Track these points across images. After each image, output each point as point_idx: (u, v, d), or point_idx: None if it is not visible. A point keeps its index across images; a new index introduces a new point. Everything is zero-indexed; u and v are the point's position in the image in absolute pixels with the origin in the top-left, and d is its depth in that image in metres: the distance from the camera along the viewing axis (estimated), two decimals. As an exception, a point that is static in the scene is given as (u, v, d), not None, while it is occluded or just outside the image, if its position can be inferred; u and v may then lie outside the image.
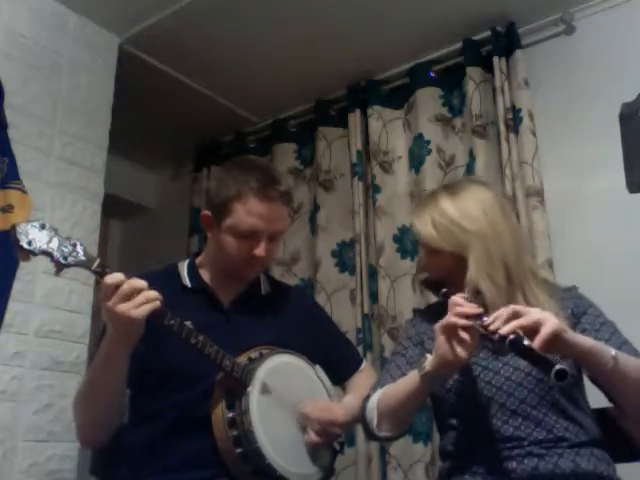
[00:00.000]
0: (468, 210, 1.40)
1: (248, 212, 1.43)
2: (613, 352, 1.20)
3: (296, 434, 1.45)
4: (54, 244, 1.19)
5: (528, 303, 1.34)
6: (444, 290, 1.40)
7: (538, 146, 2.37)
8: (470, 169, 2.49)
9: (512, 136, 2.40)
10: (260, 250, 1.45)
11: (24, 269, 2.00)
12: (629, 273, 2.10)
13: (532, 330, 1.14)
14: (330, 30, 2.54)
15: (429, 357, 1.29)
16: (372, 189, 2.73)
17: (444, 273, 1.46)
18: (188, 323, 1.32)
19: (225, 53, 2.68)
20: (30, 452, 2.03)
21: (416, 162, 2.65)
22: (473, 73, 2.51)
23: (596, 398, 1.37)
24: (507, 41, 2.49)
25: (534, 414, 1.31)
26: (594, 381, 1.33)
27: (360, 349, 2.45)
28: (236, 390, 1.37)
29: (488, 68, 2.52)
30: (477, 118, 2.47)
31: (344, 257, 2.80)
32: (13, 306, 2.01)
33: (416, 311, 1.69)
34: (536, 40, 2.52)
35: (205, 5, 2.38)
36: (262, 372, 1.41)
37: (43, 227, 1.19)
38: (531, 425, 1.31)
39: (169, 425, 1.39)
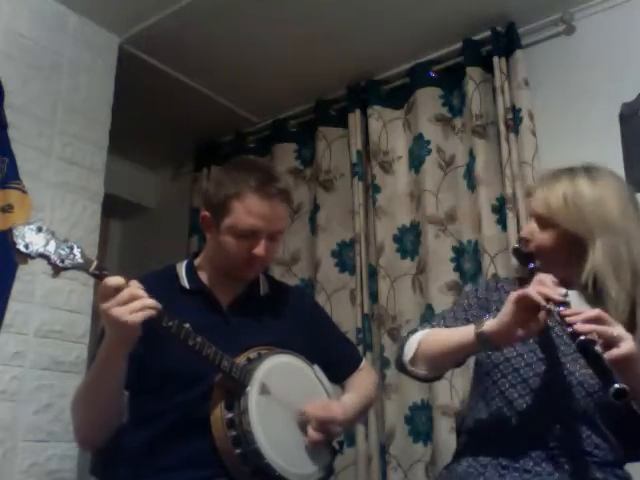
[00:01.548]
0: (605, 198, 1.33)
1: (247, 211, 1.43)
2: None
3: (295, 434, 1.45)
4: (51, 247, 1.19)
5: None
6: (533, 265, 1.35)
7: (538, 146, 2.37)
8: (470, 169, 2.50)
9: (512, 136, 2.40)
10: (260, 249, 1.45)
11: (24, 269, 2.00)
12: (629, 273, 2.10)
13: (609, 342, 1.11)
14: (330, 30, 2.54)
15: (490, 319, 1.25)
16: (372, 189, 2.73)
17: (548, 250, 1.37)
18: (186, 325, 1.32)
19: (225, 53, 2.68)
20: (30, 452, 2.03)
21: (416, 162, 2.65)
22: (473, 73, 2.51)
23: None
24: (507, 41, 2.49)
25: (569, 423, 1.28)
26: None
27: (360, 349, 2.45)
28: (235, 391, 1.37)
29: (488, 68, 2.52)
30: (477, 118, 2.47)
31: (344, 257, 2.80)
32: (13, 306, 2.01)
33: (494, 278, 1.61)
34: (536, 40, 2.51)
35: (205, 5, 2.38)
36: (261, 372, 1.41)
37: (40, 230, 1.19)
38: (563, 432, 1.27)
39: (168, 426, 1.39)
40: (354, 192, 2.75)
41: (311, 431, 1.43)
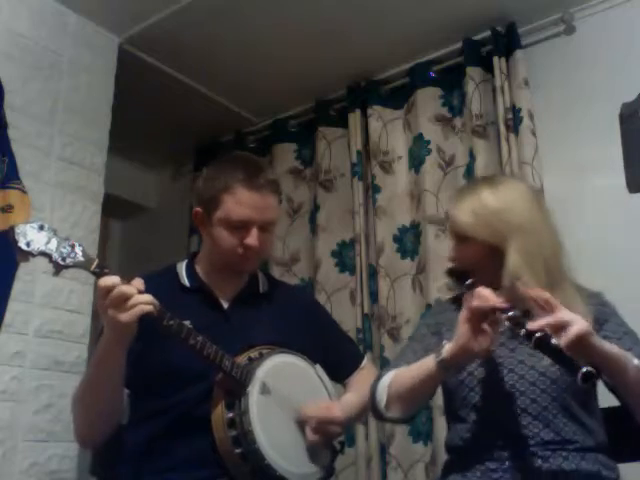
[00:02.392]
0: (510, 203, 1.40)
1: (237, 202, 1.45)
2: (637, 362, 1.20)
3: (296, 434, 1.45)
4: (52, 245, 1.20)
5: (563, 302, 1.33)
6: (470, 281, 1.38)
7: (538, 146, 2.37)
8: (470, 169, 2.49)
9: (512, 136, 2.40)
10: (252, 239, 1.45)
11: (24, 269, 2.00)
12: (629, 273, 2.10)
13: (559, 329, 1.14)
14: (330, 30, 2.54)
15: (447, 345, 1.28)
16: (372, 189, 2.73)
17: (473, 263, 1.44)
18: (187, 323, 1.32)
19: (225, 53, 2.68)
20: (30, 452, 2.03)
21: (416, 162, 2.65)
22: (473, 73, 2.51)
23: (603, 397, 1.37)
24: (507, 41, 2.49)
25: (544, 415, 1.31)
26: (611, 388, 1.31)
27: (360, 349, 2.44)
28: (236, 390, 1.37)
29: (488, 68, 2.52)
30: (477, 118, 2.47)
31: (344, 257, 2.80)
32: (13, 306, 2.01)
33: (437, 301, 1.67)
34: (536, 40, 2.52)
35: (205, 5, 2.38)
36: (262, 372, 1.41)
37: (42, 228, 1.20)
38: (540, 425, 1.31)
39: (168, 425, 1.39)
40: (354, 192, 2.75)
41: (309, 432, 1.43)
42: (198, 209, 1.52)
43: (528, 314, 1.21)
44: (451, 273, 1.52)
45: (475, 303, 1.23)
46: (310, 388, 1.54)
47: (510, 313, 1.21)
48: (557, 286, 1.34)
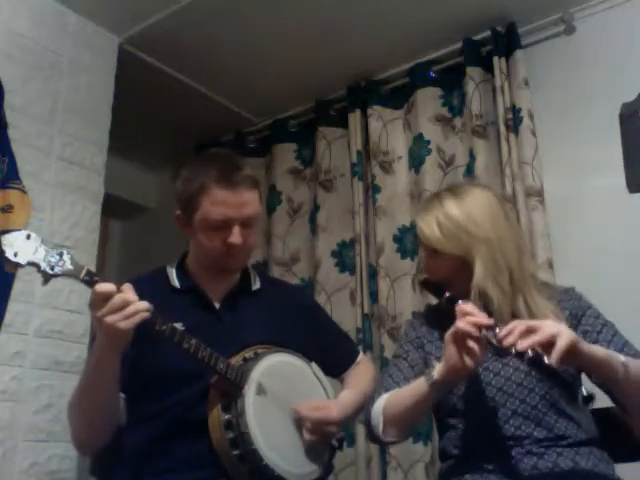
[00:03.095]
0: (474, 214, 1.41)
1: (213, 202, 1.43)
2: (622, 359, 1.21)
3: (293, 433, 1.45)
4: (40, 254, 1.19)
5: (528, 307, 1.36)
6: (449, 294, 1.40)
7: (538, 146, 2.37)
8: (470, 169, 2.49)
9: (512, 136, 2.40)
10: (235, 237, 1.44)
11: (24, 269, 1.98)
12: (629, 273, 2.10)
13: (548, 344, 1.14)
14: (330, 30, 2.54)
15: (437, 366, 1.29)
16: (372, 189, 2.73)
17: (445, 275, 1.46)
18: (179, 325, 1.32)
19: (225, 53, 2.68)
20: (30, 452, 2.03)
21: (416, 162, 2.65)
22: (473, 73, 2.51)
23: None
24: (507, 41, 2.49)
25: (534, 413, 1.32)
26: (600, 386, 1.33)
27: (360, 349, 2.44)
28: (232, 392, 1.36)
29: (488, 68, 2.52)
30: (477, 118, 2.47)
31: (344, 257, 2.80)
32: (13, 306, 2.01)
33: (415, 314, 1.69)
34: (536, 40, 2.52)
35: (205, 5, 2.38)
36: (257, 372, 1.40)
37: (29, 237, 1.19)
38: (532, 424, 1.32)
39: (166, 427, 1.38)
40: (354, 192, 2.75)
41: (306, 433, 1.43)
42: (178, 212, 1.52)
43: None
44: (425, 285, 1.54)
45: (459, 324, 1.22)
46: (307, 387, 1.54)
47: (495, 331, 1.21)
48: (522, 294, 1.37)
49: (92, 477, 1.71)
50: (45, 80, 2.27)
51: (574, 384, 1.35)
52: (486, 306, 1.34)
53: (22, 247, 1.18)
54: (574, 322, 1.38)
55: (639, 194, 2.17)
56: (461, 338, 1.22)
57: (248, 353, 1.44)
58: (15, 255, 1.17)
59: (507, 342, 1.18)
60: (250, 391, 1.38)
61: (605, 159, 2.26)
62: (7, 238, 1.17)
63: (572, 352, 1.14)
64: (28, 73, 2.21)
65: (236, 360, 1.40)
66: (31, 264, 1.18)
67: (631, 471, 1.41)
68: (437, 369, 1.28)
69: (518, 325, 1.19)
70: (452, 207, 1.42)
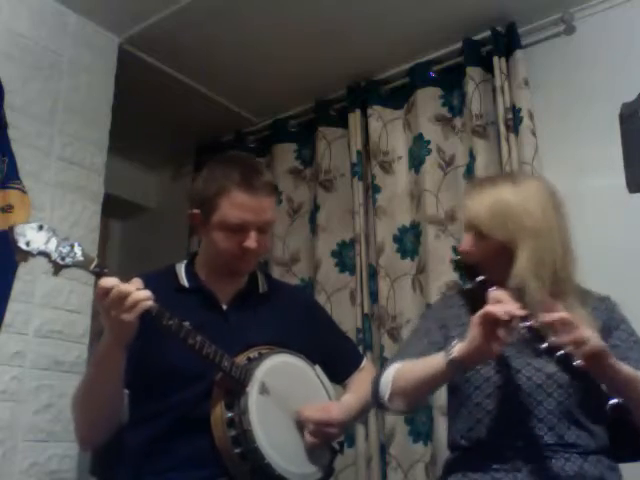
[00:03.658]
0: (527, 203, 1.36)
1: (233, 205, 1.44)
2: None
3: (295, 434, 1.45)
4: (52, 245, 1.20)
5: (564, 308, 1.31)
6: (481, 278, 1.37)
7: (538, 146, 2.37)
8: (470, 169, 2.49)
9: (512, 136, 2.39)
10: (250, 242, 1.45)
11: (24, 269, 2.00)
12: (629, 273, 2.10)
13: (579, 344, 1.14)
14: (330, 30, 2.54)
15: (458, 344, 1.26)
16: (372, 189, 2.73)
17: (482, 259, 1.41)
18: (186, 323, 1.32)
19: (225, 53, 2.68)
20: (30, 452, 2.03)
21: (416, 162, 2.65)
22: (473, 73, 2.51)
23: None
24: (507, 41, 2.49)
25: (549, 418, 1.30)
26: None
27: (360, 349, 2.44)
28: (235, 390, 1.37)
29: (488, 68, 2.52)
30: (477, 118, 2.47)
31: (344, 257, 2.80)
32: (13, 306, 2.01)
33: (446, 295, 1.65)
34: (536, 40, 2.51)
35: (205, 5, 2.38)
36: (261, 372, 1.41)
37: (41, 228, 1.20)
38: (544, 428, 1.30)
39: (168, 425, 1.39)
40: (354, 192, 2.75)
41: (307, 434, 1.43)
42: (196, 211, 1.52)
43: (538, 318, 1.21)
44: (458, 266, 1.50)
45: (491, 308, 1.19)
46: (309, 389, 1.54)
47: (528, 323, 1.20)
48: (561, 296, 1.32)
49: (92, 477, 1.71)
50: (45, 80, 2.27)
51: (596, 394, 1.31)
52: (520, 298, 1.29)
53: (34, 237, 1.19)
54: (605, 334, 1.33)
55: (639, 194, 2.18)
56: (491, 322, 1.19)
57: (252, 353, 1.44)
58: (27, 244, 1.18)
59: (552, 326, 1.16)
60: (253, 390, 1.38)
61: (605, 159, 2.26)
62: (19, 228, 1.18)
63: (600, 358, 1.14)
64: (28, 73, 2.21)
65: (240, 359, 1.41)
66: (42, 254, 1.19)
67: (631, 470, 1.42)
68: (458, 347, 1.25)
69: (565, 315, 1.17)
70: (507, 192, 1.38)
